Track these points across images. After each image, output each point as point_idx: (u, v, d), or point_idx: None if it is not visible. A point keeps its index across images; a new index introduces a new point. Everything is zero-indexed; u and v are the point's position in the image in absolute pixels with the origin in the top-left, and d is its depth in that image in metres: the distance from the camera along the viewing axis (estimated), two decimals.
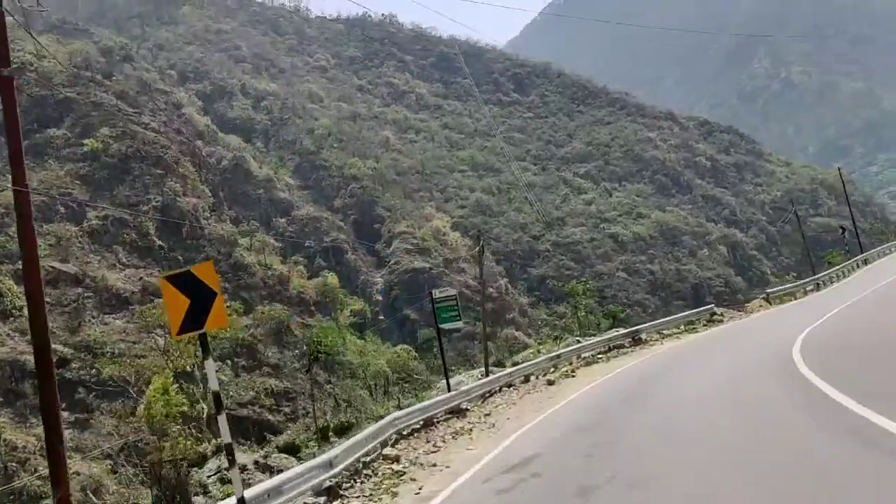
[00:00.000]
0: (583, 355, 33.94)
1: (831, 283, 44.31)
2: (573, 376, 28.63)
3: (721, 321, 38.19)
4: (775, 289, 45.87)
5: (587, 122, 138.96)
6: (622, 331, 39.39)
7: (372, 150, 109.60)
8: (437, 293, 29.76)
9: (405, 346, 70.64)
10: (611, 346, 35.37)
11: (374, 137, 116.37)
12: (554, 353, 34.68)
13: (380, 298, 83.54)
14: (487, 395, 27.59)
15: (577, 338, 43.64)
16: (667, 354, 28.67)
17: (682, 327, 38.10)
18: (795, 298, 42.35)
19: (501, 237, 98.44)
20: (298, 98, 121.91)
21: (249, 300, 62.33)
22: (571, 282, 75.40)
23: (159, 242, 61.52)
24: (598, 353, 34.21)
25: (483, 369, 39.18)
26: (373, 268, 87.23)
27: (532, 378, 30.80)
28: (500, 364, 51.15)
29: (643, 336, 36.58)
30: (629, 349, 34.21)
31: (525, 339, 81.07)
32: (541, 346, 49.85)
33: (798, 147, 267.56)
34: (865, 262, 51.25)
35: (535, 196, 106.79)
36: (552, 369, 31.87)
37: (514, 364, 40.62)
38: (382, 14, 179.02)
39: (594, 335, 43.54)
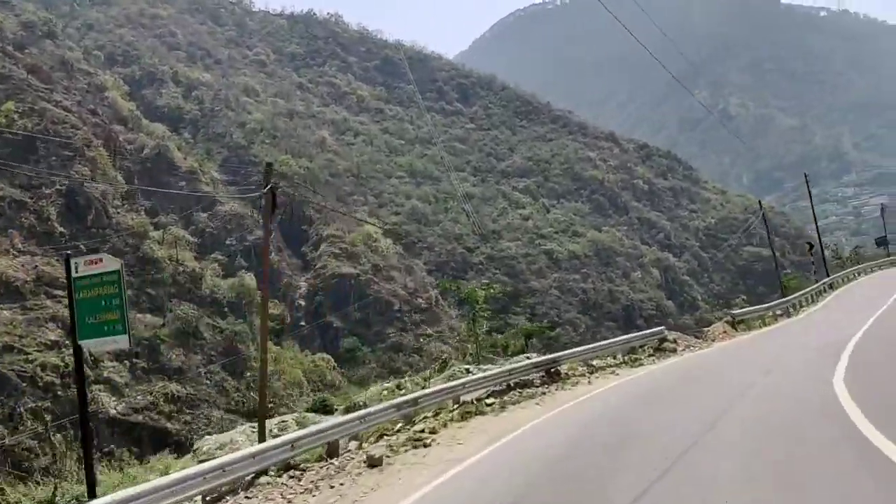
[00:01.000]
0: (463, 398, 21.10)
1: (801, 308, 38.30)
2: (426, 445, 15.74)
3: (674, 350, 28.28)
4: (742, 311, 36.66)
5: (529, 137, 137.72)
6: (533, 358, 26.86)
7: (306, 150, 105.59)
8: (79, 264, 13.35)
9: (324, 356, 66.96)
10: (512, 382, 22.92)
11: (309, 136, 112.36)
12: (408, 398, 19.95)
13: (302, 303, 79.64)
14: None
15: (468, 366, 30.37)
16: (593, 412, 16.61)
17: (621, 357, 27.29)
18: (765, 324, 34.25)
19: (435, 247, 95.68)
20: (233, 90, 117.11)
21: (156, 297, 57.88)
22: (470, 285, 61.24)
23: (61, 229, 56.51)
24: (490, 396, 21.53)
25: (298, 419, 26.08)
26: (297, 271, 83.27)
27: (352, 444, 17.55)
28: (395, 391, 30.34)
29: (563, 368, 24.81)
30: (540, 389, 22.29)
31: (452, 354, 78.15)
32: (407, 380, 33.35)
33: (733, 177, 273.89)
34: (831, 286, 45.81)
35: (472, 207, 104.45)
36: (400, 426, 18.63)
37: (352, 409, 24.78)
38: (328, 13, 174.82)
39: (493, 362, 31.95)
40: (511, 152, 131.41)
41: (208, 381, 54.53)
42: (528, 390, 22.19)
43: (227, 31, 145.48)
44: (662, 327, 31.68)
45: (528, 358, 28.30)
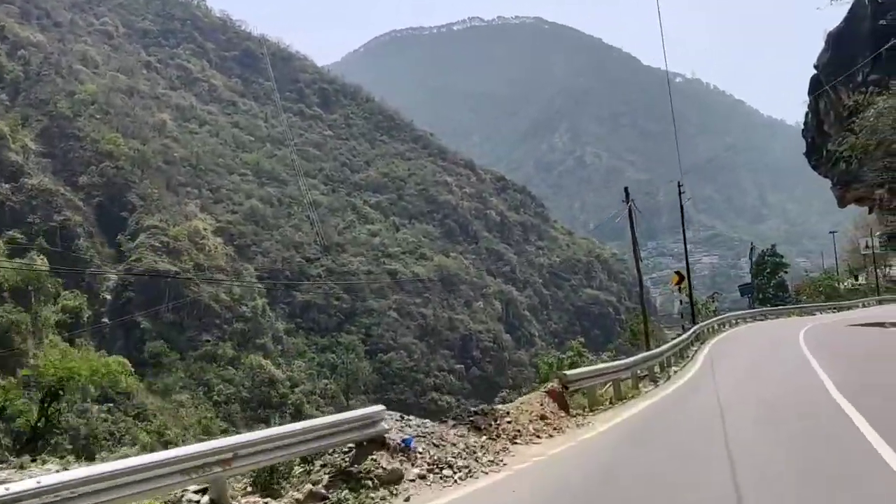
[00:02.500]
0: None
1: (671, 369, 23.52)
2: None
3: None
4: (578, 372, 17.76)
5: (388, 152, 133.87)
6: None
7: (141, 132, 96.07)
8: None
9: (120, 359, 58.70)
10: None
11: (148, 118, 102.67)
12: None
13: (108, 298, 70.65)
14: None
15: None
16: None
17: None
18: (620, 398, 17.52)
19: (270, 252, 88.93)
20: (68, 57, 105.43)
21: None
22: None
23: None
24: None
25: None
26: (109, 261, 74.14)
27: None
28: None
29: None
30: None
31: (273, 371, 71.90)
32: None
33: (581, 222, 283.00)
34: (698, 338, 32.36)
35: (318, 216, 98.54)
36: None
37: None
38: None
39: None
40: (367, 165, 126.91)
41: None
42: None
43: None
44: (381, 408, 10.81)
45: None
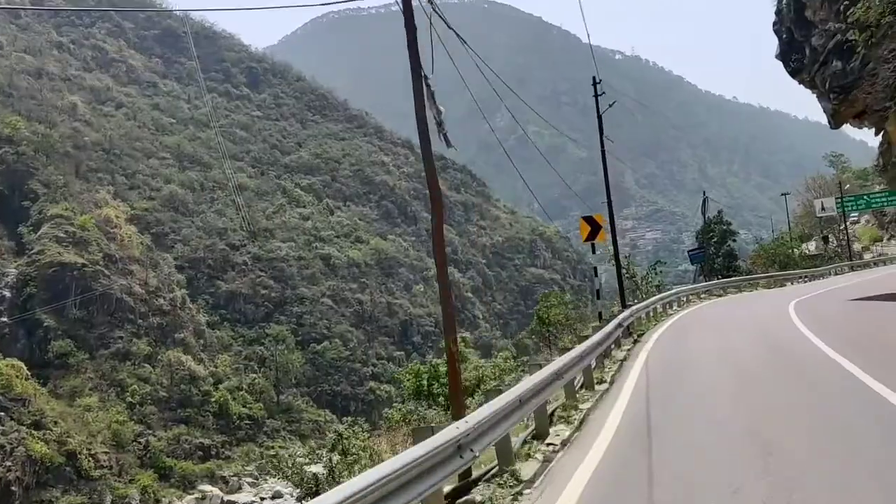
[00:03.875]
0: None
1: (573, 413, 11.23)
2: None
3: None
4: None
5: (321, 133, 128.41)
6: None
7: (49, 115, 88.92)
8: None
9: (14, 362, 53.01)
10: None
11: (57, 101, 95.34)
12: None
13: (7, 295, 64.39)
14: None
15: None
16: None
17: None
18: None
19: (191, 240, 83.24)
20: None
21: None
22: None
23: None
24: None
25: None
26: (8, 255, 67.79)
27: None
28: None
29: None
30: None
31: (194, 367, 66.79)
32: None
33: (525, 201, 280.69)
34: (630, 331, 21.69)
35: (244, 200, 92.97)
36: None
37: None
38: None
39: None
40: (299, 147, 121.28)
41: None
42: None
43: None
44: None
45: None
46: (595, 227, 23.20)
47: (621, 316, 20.60)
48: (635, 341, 20.57)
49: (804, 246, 50.40)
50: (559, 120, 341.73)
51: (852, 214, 63.64)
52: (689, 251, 53.07)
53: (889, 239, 61.65)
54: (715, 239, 47.33)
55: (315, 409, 73.72)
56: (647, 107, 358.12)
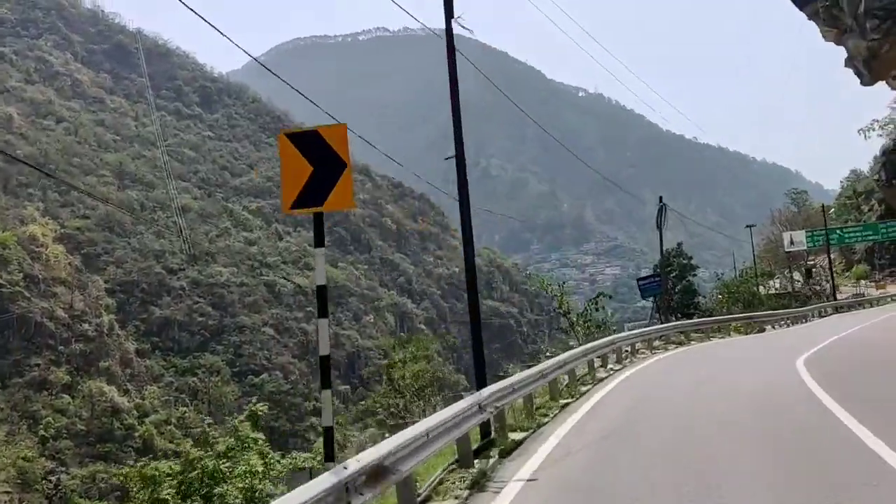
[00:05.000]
0: None
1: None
2: None
3: None
4: None
5: (274, 156, 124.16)
6: None
7: None
8: None
9: None
10: None
11: None
12: None
13: None
14: None
15: None
16: None
17: None
18: None
19: (125, 262, 78.41)
20: None
21: None
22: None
23: None
24: None
25: None
26: None
27: None
28: None
29: None
30: None
31: (118, 398, 61.85)
32: None
33: (487, 234, 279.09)
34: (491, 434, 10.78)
35: (186, 222, 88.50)
36: None
37: None
38: None
39: None
40: (250, 169, 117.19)
41: None
42: None
43: None
44: None
45: None
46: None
47: (485, 392, 10.20)
48: (530, 435, 10.96)
49: (770, 283, 45.39)
50: (523, 154, 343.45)
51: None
52: (638, 280, 44.55)
53: (886, 277, 58.54)
54: (674, 273, 43.55)
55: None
56: (608, 144, 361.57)
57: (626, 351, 23.16)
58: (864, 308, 45.43)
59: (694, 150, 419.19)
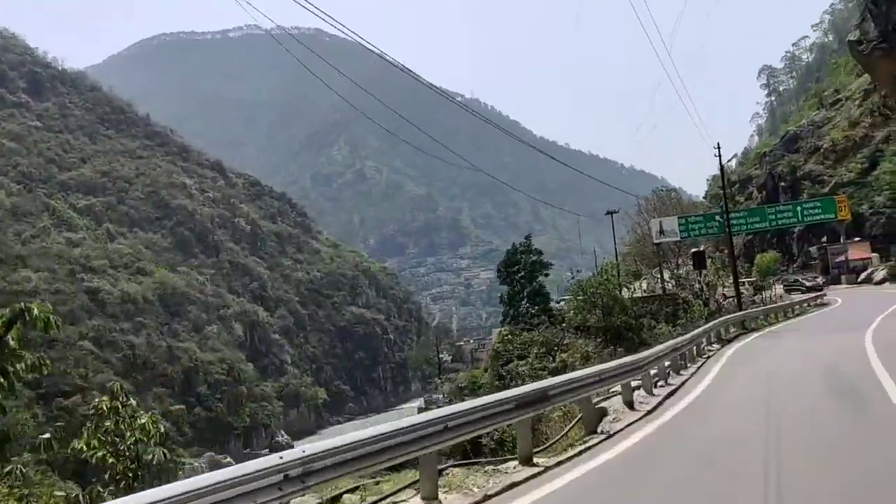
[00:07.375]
0: None
1: None
2: None
3: None
4: None
5: (113, 149, 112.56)
6: None
7: None
8: None
9: None
10: None
11: None
12: None
13: None
14: None
15: None
16: None
17: None
18: None
19: None
20: None
21: None
22: None
23: None
24: None
25: None
26: None
27: None
28: None
29: None
30: None
31: None
32: None
33: (360, 237, 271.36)
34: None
35: None
36: None
37: None
38: None
39: None
40: (82, 163, 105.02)
41: None
42: None
43: None
44: None
45: None
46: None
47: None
48: None
49: (636, 284, 36.99)
50: (398, 157, 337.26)
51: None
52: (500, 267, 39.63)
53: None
54: (521, 274, 37.12)
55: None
56: (483, 148, 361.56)
57: None
58: (809, 312, 33.94)
59: (567, 156, 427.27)
